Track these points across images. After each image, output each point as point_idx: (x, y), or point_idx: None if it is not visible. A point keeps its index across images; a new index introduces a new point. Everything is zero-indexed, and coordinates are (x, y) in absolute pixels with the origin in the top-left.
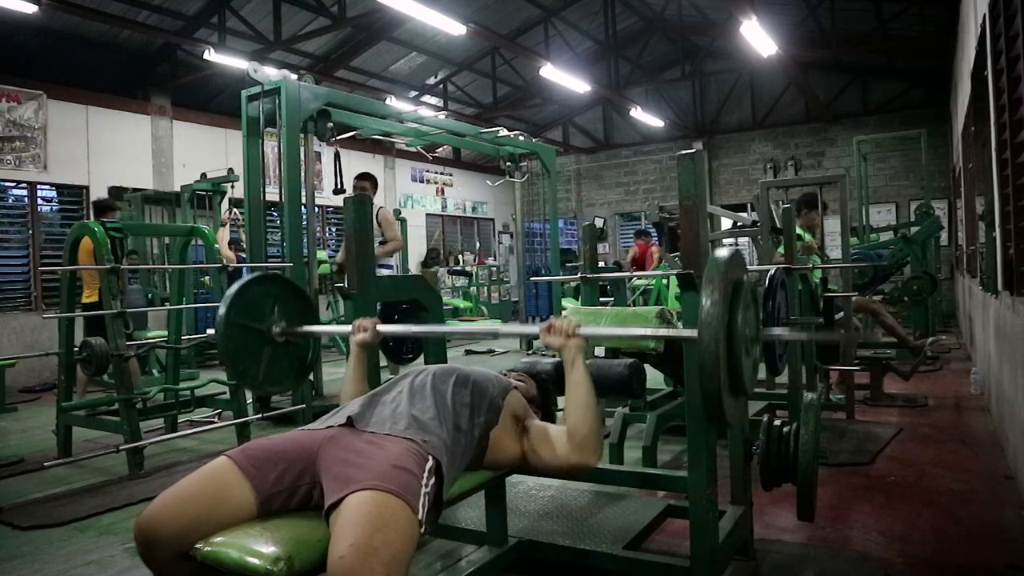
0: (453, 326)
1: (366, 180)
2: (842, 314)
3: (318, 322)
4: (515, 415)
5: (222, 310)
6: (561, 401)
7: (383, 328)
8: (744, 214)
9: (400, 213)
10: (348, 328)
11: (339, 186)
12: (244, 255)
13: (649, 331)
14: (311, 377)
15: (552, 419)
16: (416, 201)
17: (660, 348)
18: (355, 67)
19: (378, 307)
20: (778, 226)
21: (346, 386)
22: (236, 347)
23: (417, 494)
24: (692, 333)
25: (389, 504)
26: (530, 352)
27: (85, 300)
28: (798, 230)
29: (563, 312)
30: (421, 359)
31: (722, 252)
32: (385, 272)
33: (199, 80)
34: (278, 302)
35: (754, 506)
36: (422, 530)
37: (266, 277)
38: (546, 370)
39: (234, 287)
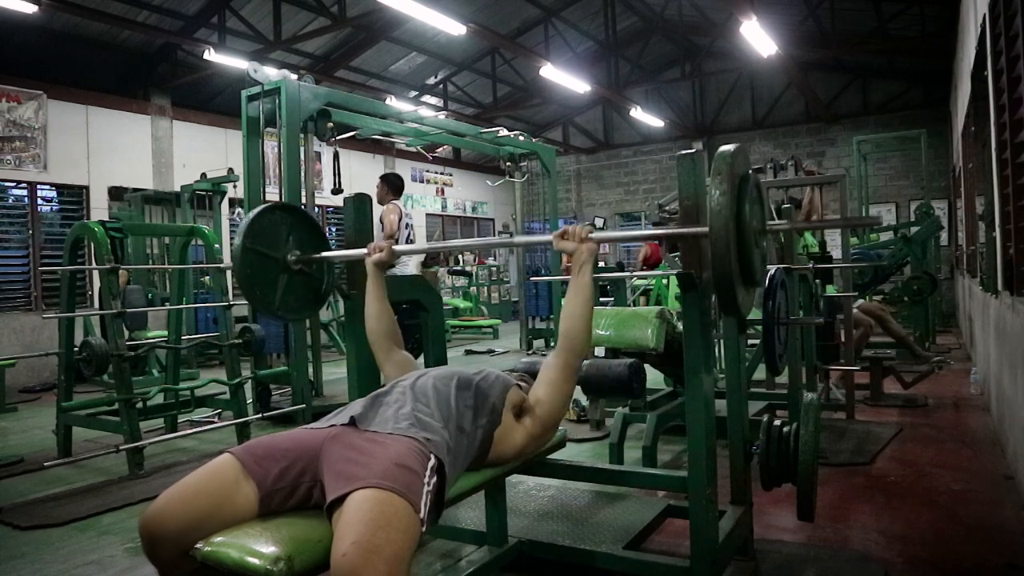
0: (471, 240)
1: (379, 178)
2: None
3: (330, 250)
4: (515, 406)
5: (239, 239)
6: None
7: (398, 248)
8: None
9: None
10: (363, 251)
11: (338, 186)
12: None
13: (660, 231)
14: (311, 377)
15: None
16: (416, 201)
17: (660, 348)
18: (355, 67)
19: None
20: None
21: (369, 305)
22: (253, 273)
23: (419, 493)
24: (703, 229)
25: (391, 502)
26: (530, 352)
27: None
28: None
29: None
30: (421, 360)
31: (728, 147)
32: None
33: (199, 80)
34: (292, 231)
35: (754, 506)
36: (423, 529)
37: (278, 206)
38: None
39: (249, 215)
